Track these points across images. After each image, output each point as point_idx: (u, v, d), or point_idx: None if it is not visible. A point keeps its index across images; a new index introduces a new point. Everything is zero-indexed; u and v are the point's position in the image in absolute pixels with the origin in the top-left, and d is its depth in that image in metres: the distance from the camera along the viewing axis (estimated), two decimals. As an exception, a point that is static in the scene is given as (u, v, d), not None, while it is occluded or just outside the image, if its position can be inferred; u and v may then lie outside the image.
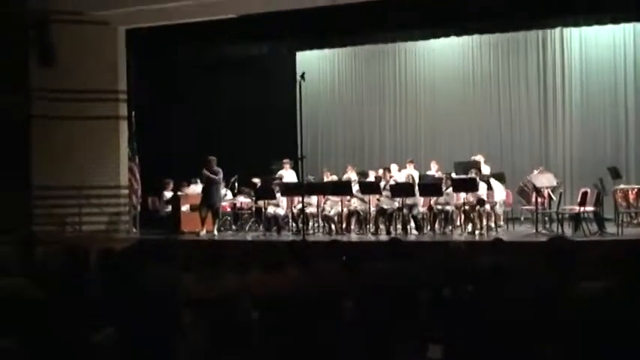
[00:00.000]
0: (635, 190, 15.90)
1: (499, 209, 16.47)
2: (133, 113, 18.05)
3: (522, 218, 17.84)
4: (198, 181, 17.97)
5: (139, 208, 18.03)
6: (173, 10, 16.69)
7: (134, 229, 17.68)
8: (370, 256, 7.53)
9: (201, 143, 19.78)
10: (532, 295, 5.38)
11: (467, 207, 15.59)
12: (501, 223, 16.74)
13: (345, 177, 17.98)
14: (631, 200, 15.83)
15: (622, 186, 16.26)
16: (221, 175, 17.04)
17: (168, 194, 18.65)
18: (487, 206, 15.56)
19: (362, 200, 16.40)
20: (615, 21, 18.31)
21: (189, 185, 18.44)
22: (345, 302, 5.75)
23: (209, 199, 16.83)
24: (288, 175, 18.47)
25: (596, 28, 18.93)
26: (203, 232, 16.69)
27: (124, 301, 5.00)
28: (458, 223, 16.25)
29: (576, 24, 18.76)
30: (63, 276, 5.75)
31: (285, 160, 18.65)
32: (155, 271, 5.37)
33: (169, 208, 18.30)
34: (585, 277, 4.97)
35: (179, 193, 18.24)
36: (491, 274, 6.32)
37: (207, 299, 4.84)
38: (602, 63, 19.27)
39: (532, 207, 16.09)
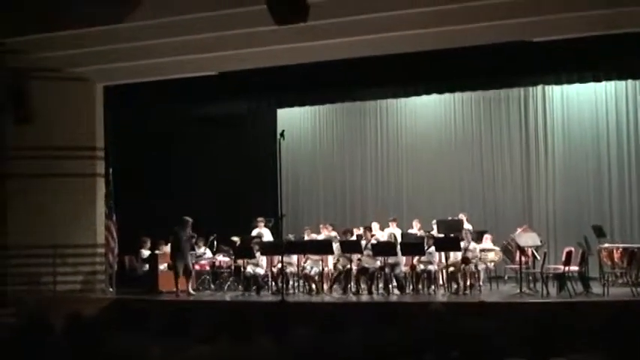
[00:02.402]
0: (620, 249, 15.75)
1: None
2: (110, 170, 17.86)
3: (506, 277, 17.68)
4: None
5: (115, 266, 17.73)
6: (152, 66, 16.59)
7: (110, 289, 17.36)
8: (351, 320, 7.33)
9: (179, 201, 19.57)
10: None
11: (452, 268, 15.48)
12: (480, 283, 16.58)
13: (321, 236, 17.80)
14: (616, 260, 15.67)
15: (607, 245, 16.13)
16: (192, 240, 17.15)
17: (145, 253, 18.40)
18: (472, 265, 15.43)
19: (347, 259, 16.19)
20: (597, 79, 18.40)
21: (166, 244, 18.15)
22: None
23: (184, 258, 16.63)
24: (264, 233, 18.30)
25: (577, 85, 18.99)
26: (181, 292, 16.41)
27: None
28: (441, 283, 16.09)
29: (558, 82, 18.84)
30: (16, 341, 5.51)
31: (259, 219, 18.50)
32: (121, 341, 5.14)
33: (147, 266, 18.03)
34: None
35: (156, 251, 17.98)
36: (476, 338, 6.14)
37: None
38: (584, 121, 19.28)
39: (516, 266, 15.95)
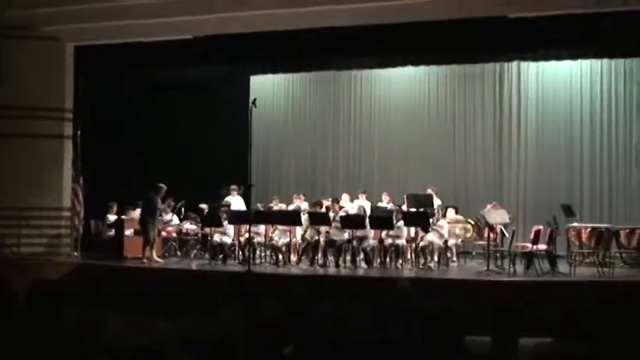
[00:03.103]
0: (589, 229, 15.86)
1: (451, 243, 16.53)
2: (79, 132, 17.74)
3: (474, 253, 17.77)
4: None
5: (81, 230, 17.67)
6: (126, 28, 16.47)
7: (75, 253, 17.32)
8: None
9: (147, 166, 19.48)
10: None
11: (422, 243, 15.58)
12: (454, 258, 16.69)
13: (291, 207, 17.80)
14: (584, 239, 15.77)
15: (575, 224, 16.25)
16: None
17: (111, 217, 18.33)
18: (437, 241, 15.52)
19: (315, 231, 16.20)
20: (573, 57, 18.46)
21: (134, 209, 18.04)
22: (285, 349, 5.54)
23: (153, 226, 16.57)
24: (236, 201, 18.28)
25: (553, 62, 19.05)
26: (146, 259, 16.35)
27: (45, 346, 4.75)
28: (408, 257, 16.17)
29: (534, 58, 18.88)
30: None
31: (232, 187, 18.44)
32: (79, 313, 5.11)
33: (112, 232, 17.95)
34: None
35: (123, 217, 17.89)
36: (441, 317, 6.17)
37: (134, 348, 4.59)
38: (559, 99, 19.34)
39: (484, 242, 16.06)
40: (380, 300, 8.77)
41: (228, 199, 18.37)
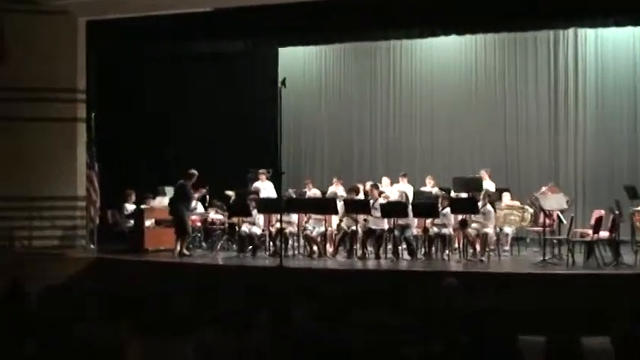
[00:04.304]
0: (655, 213, 15.71)
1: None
2: (93, 115, 17.77)
3: (528, 240, 17.65)
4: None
5: (97, 221, 17.74)
6: (143, 0, 16.45)
7: (92, 245, 17.40)
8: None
9: (169, 151, 19.50)
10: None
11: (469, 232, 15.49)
12: (507, 247, 16.56)
13: (329, 191, 17.75)
14: (650, 225, 15.66)
15: (640, 208, 16.11)
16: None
17: (130, 207, 18.31)
18: (489, 230, 15.39)
19: (352, 219, 16.14)
20: (636, 22, 18.17)
21: (154, 197, 18.08)
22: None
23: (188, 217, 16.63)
24: (265, 187, 18.27)
25: (614, 29, 18.76)
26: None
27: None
28: (456, 246, 16.08)
29: (592, 25, 18.60)
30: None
31: (261, 171, 18.44)
32: (96, 330, 5.11)
33: (131, 222, 17.98)
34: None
35: (143, 206, 17.89)
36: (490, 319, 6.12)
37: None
38: (620, 68, 19.09)
39: (539, 228, 15.94)
40: (424, 302, 8.74)
41: (256, 184, 18.36)
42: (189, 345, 4.94)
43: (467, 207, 15.69)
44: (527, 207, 16.93)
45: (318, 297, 7.25)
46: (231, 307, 6.03)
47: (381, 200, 16.27)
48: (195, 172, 16.50)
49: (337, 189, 17.93)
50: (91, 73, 17.94)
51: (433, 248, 15.87)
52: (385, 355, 5.82)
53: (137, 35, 18.37)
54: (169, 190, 17.79)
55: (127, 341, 5.05)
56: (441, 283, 8.85)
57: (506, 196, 17.23)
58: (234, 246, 17.16)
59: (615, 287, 12.59)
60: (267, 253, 16.67)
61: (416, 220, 15.94)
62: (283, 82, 15.01)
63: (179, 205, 16.47)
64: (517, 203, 17.18)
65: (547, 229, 15.40)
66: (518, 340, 6.17)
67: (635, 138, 18.94)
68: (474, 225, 15.50)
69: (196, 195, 17.15)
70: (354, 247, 16.02)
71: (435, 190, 17.45)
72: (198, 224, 18.10)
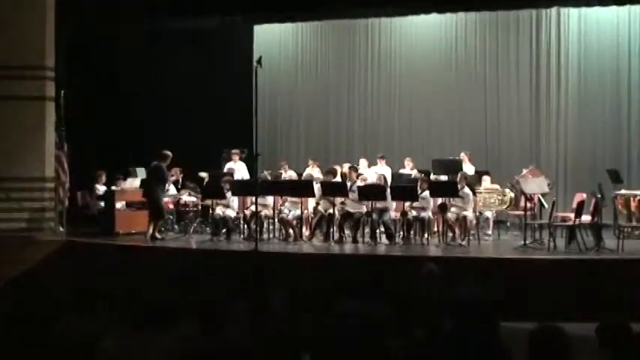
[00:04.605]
0: (638, 197, 15.77)
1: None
2: (62, 93, 17.59)
3: (508, 223, 17.69)
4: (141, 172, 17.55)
5: (66, 203, 17.57)
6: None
7: (61, 228, 17.25)
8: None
9: (139, 130, 19.37)
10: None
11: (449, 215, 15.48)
12: (489, 231, 16.58)
13: (305, 173, 17.71)
14: (633, 209, 15.72)
15: (623, 192, 16.16)
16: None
17: (100, 188, 18.17)
18: (469, 214, 15.40)
19: (329, 202, 16.09)
20: (620, 1, 18.18)
21: (125, 179, 17.99)
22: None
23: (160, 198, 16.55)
24: (239, 168, 18.24)
25: (597, 8, 18.77)
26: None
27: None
28: (435, 230, 16.09)
29: (576, 4, 18.62)
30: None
31: (234, 151, 18.42)
32: (69, 324, 5.03)
33: (102, 204, 17.85)
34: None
35: (113, 187, 17.79)
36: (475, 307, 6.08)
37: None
38: (604, 49, 19.13)
39: (520, 212, 15.97)
40: (404, 288, 8.70)
41: (229, 165, 18.30)
42: (166, 339, 4.88)
43: (446, 190, 15.68)
44: (507, 190, 16.93)
45: (296, 286, 7.21)
46: (207, 296, 5.95)
47: (359, 183, 16.22)
48: (169, 153, 16.38)
49: (313, 171, 17.93)
50: (60, 51, 17.73)
51: (412, 232, 15.86)
52: (368, 346, 5.77)
53: (109, 12, 18.20)
54: (141, 171, 17.76)
55: (102, 335, 4.99)
56: (422, 269, 8.82)
57: (486, 180, 17.23)
58: (208, 229, 17.08)
59: (598, 273, 12.62)
60: (242, 236, 16.61)
61: (394, 203, 15.96)
62: (259, 61, 14.89)
63: (154, 186, 16.38)
64: (497, 187, 17.18)
65: (528, 212, 15.39)
66: (500, 327, 6.15)
67: (618, 119, 19.00)
68: (453, 209, 15.50)
69: (172, 177, 17.05)
70: (331, 230, 15.99)
71: (414, 173, 17.47)
72: (171, 206, 17.99)
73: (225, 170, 18.27)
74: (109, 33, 19.78)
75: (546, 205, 15.53)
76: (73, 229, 17.14)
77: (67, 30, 18.00)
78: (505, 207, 16.93)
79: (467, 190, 15.76)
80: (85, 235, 16.66)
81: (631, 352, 5.39)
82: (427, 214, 15.70)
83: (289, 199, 16.55)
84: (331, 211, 15.95)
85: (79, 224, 17.65)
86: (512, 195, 16.75)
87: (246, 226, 16.64)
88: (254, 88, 15.62)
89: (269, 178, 17.17)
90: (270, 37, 21.63)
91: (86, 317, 5.40)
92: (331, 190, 16.17)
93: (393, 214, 16.03)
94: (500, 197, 16.91)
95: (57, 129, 17.47)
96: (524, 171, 16.84)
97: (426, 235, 15.73)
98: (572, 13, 19.29)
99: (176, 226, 17.89)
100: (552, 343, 4.99)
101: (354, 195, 15.87)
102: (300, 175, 17.74)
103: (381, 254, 14.82)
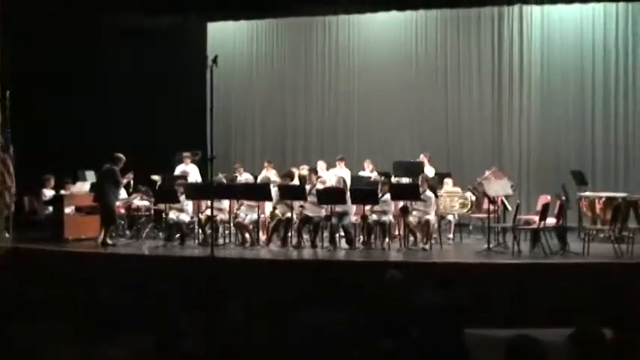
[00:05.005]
0: (603, 199, 15.87)
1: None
2: (7, 94, 17.39)
3: (471, 227, 17.70)
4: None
5: (12, 208, 17.39)
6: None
7: (7, 234, 17.05)
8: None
9: (89, 132, 19.19)
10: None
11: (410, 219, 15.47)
12: (450, 235, 16.61)
13: (261, 176, 17.63)
14: (597, 211, 15.81)
15: (588, 194, 16.25)
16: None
17: (48, 193, 18.02)
18: (431, 217, 15.41)
19: (287, 206, 16.03)
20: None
21: (74, 182, 17.84)
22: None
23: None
24: (190, 171, 18.23)
25: (560, 6, 18.88)
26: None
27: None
28: (396, 234, 16.07)
29: (539, 1, 18.72)
30: None
31: (185, 154, 18.35)
32: (20, 334, 4.94)
33: (50, 209, 17.69)
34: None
35: (62, 192, 17.67)
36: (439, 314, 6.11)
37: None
38: (567, 47, 19.25)
39: (483, 215, 15.99)
40: (367, 296, 8.66)
41: (180, 167, 18.22)
42: (118, 349, 4.80)
43: (408, 193, 15.69)
44: (468, 194, 16.92)
45: (253, 294, 7.15)
46: (161, 306, 5.88)
47: (318, 186, 16.17)
48: (122, 156, 16.28)
49: (269, 173, 17.85)
50: (5, 50, 17.51)
51: (372, 236, 15.83)
52: (330, 357, 5.73)
53: (57, 8, 18.01)
54: (90, 175, 17.60)
55: (52, 345, 4.90)
56: (384, 276, 8.79)
57: (447, 183, 17.22)
58: (161, 234, 16.98)
59: (564, 277, 12.67)
60: (197, 241, 16.51)
61: (354, 206, 15.94)
62: (214, 60, 14.78)
63: (107, 190, 16.26)
64: (458, 190, 17.18)
65: (491, 215, 15.43)
66: (466, 334, 6.13)
67: (582, 118, 19.12)
68: (415, 212, 15.49)
69: (124, 180, 16.93)
70: (289, 235, 15.93)
71: (374, 175, 17.46)
72: (122, 211, 17.82)
73: (176, 173, 18.14)
74: (57, 31, 19.56)
75: (510, 208, 15.58)
76: (19, 235, 17.03)
77: (13, 28, 17.77)
78: (466, 210, 16.93)
79: (429, 192, 15.75)
80: (33, 242, 16.51)
81: (603, 357, 5.40)
82: (388, 217, 15.68)
83: (245, 202, 16.48)
84: (289, 215, 15.90)
85: (26, 230, 17.50)
86: (474, 198, 16.76)
87: (200, 231, 16.56)
88: (208, 87, 15.51)
89: (224, 181, 17.10)
90: (225, 35, 21.56)
91: (32, 327, 5.31)
92: (290, 193, 16.12)
93: (353, 218, 16.03)
94: (461, 200, 16.91)
95: (2, 131, 17.28)
96: (487, 173, 16.88)
97: (387, 240, 15.72)
98: (534, 11, 19.40)
99: (128, 232, 17.73)
100: (528, 353, 4.98)
101: (312, 198, 15.82)
102: (256, 178, 17.64)
103: (341, 259, 14.78)
